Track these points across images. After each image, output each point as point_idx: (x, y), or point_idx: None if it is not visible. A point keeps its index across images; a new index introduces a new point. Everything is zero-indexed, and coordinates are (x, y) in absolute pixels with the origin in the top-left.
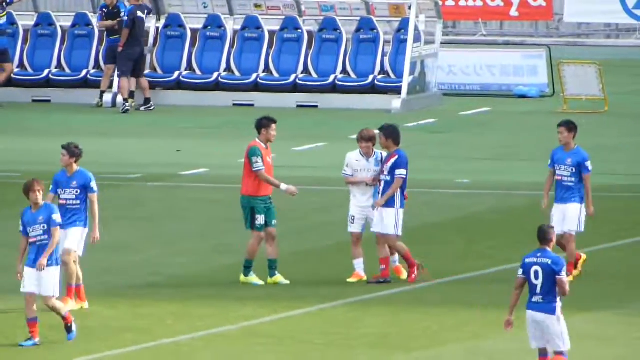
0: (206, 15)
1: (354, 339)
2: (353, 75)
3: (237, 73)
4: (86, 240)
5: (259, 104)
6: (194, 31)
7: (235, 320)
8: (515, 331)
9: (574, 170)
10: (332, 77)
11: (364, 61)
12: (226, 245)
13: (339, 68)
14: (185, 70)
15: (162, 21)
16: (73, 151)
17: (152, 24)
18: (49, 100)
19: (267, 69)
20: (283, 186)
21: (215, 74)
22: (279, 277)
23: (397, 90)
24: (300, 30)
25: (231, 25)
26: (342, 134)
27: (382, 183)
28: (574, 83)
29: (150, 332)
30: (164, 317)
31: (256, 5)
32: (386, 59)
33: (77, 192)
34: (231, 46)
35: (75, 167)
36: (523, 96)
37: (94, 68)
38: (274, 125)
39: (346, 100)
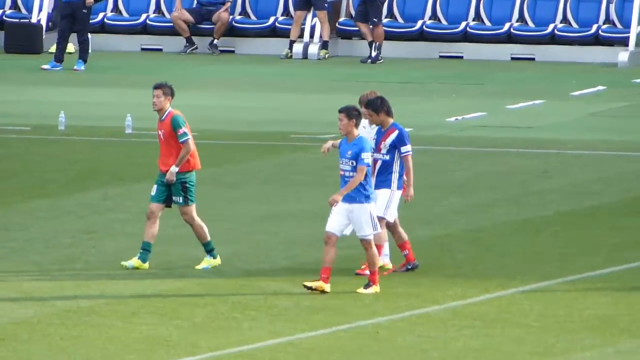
0: None
1: (575, 321)
2: (574, 25)
3: (443, 21)
4: None
5: (469, 57)
6: None
7: (442, 300)
8: None
9: (354, 164)
10: (550, 27)
11: (587, 9)
12: (433, 215)
13: (559, 16)
14: (386, 18)
15: None
16: None
17: None
18: (232, 51)
19: (477, 16)
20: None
21: (420, 22)
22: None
23: (623, 42)
24: None
25: None
26: (562, 90)
27: (379, 163)
28: None
29: (345, 312)
30: (361, 295)
31: None
32: (612, 7)
33: None
34: None
35: None
36: None
37: (282, 15)
38: (154, 92)
39: (566, 52)
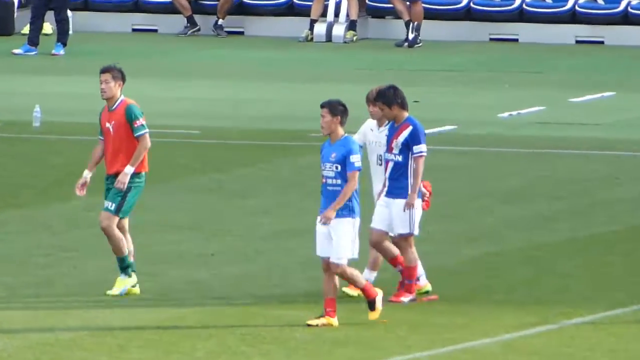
0: None
1: None
2: None
3: None
4: None
5: (525, 39)
6: None
7: (493, 332)
8: None
9: (338, 168)
10: (623, 4)
11: None
12: (481, 230)
13: None
14: None
15: None
16: None
17: None
18: (241, 32)
19: None
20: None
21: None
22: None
23: None
24: None
25: None
26: (636, 80)
27: (391, 165)
28: None
29: (376, 346)
30: (394, 326)
31: None
32: None
33: None
34: None
35: None
36: None
37: None
38: (101, 76)
39: None
